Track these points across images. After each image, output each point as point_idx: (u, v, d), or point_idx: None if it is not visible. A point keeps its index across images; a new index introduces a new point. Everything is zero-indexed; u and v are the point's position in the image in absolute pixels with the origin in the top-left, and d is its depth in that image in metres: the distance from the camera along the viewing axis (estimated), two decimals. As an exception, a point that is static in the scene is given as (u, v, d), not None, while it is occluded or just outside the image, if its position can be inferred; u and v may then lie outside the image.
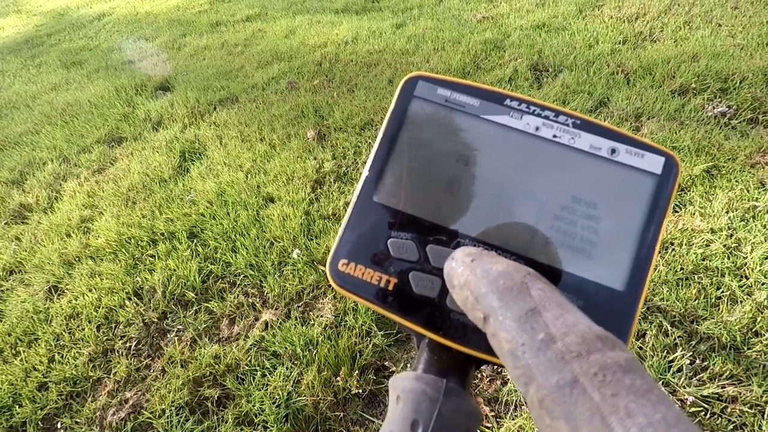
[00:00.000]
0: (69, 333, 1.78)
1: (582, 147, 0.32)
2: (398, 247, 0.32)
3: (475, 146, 0.33)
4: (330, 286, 1.69)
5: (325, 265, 0.34)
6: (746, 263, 1.55)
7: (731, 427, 1.20)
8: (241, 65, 3.70)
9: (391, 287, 0.31)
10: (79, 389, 1.60)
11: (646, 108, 2.28)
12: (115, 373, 1.62)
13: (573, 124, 0.33)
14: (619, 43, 2.91)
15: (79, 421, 1.51)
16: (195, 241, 2.06)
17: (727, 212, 1.71)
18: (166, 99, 3.37)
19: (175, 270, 1.92)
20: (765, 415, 1.21)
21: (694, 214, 1.74)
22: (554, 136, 0.33)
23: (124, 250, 2.07)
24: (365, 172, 0.34)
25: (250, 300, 1.75)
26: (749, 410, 1.23)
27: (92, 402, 1.55)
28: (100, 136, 3.10)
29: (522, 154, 0.33)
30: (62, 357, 1.70)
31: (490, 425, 1.30)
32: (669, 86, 2.40)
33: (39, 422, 1.52)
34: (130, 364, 1.64)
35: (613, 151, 0.32)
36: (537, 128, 0.33)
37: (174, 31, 4.75)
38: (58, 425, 1.51)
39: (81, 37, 5.32)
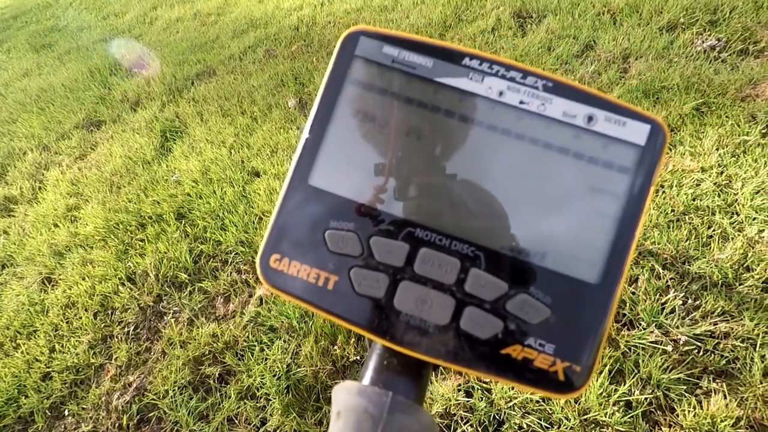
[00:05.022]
0: (67, 322, 1.78)
1: (554, 115, 0.28)
2: (337, 239, 0.28)
3: (428, 117, 0.29)
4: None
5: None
6: (737, 199, 1.54)
7: (724, 361, 1.22)
8: (216, 35, 3.57)
9: (330, 286, 0.28)
10: (83, 376, 1.62)
11: (633, 48, 2.21)
12: (116, 358, 1.63)
13: (543, 87, 0.28)
14: (604, -20, 2.79)
15: (85, 407, 1.53)
16: (183, 221, 2.04)
17: (717, 149, 1.68)
18: (142, 77, 3.27)
19: (165, 252, 1.91)
20: (757, 348, 1.23)
21: (684, 154, 1.71)
22: (521, 102, 0.28)
23: (113, 236, 2.05)
24: (297, 150, 0.30)
25: (243, 277, 1.75)
26: (741, 344, 1.24)
27: (96, 388, 1.57)
28: (78, 120, 3.03)
29: (483, 126, 0.28)
30: (62, 347, 1.71)
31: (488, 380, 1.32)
32: (657, 23, 2.32)
33: (46, 411, 1.55)
34: (130, 348, 1.65)
35: (590, 118, 0.28)
36: (501, 93, 0.29)
37: (144, 4, 4.56)
38: (66, 412, 1.53)
39: (48, 18, 5.12)
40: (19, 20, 5.35)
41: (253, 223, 1.92)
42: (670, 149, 1.74)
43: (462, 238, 0.28)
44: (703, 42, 2.14)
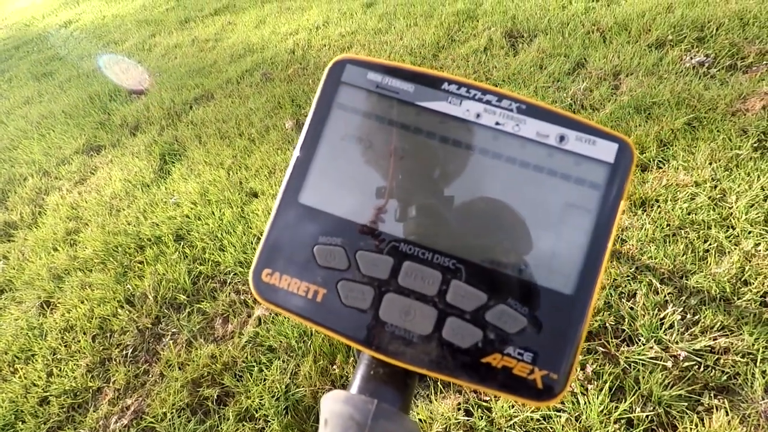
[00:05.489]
0: (65, 346, 1.77)
1: (528, 135, 0.30)
2: (325, 254, 0.30)
3: (410, 138, 0.31)
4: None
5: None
6: (732, 213, 1.55)
7: (724, 377, 1.21)
8: (213, 60, 3.63)
9: (319, 299, 0.29)
10: (80, 400, 1.60)
11: (623, 65, 2.25)
12: (114, 381, 1.62)
13: (517, 109, 0.30)
14: (593, 0, 2.85)
15: (83, 431, 1.52)
16: (182, 243, 2.04)
17: (710, 163, 1.70)
18: (141, 102, 3.31)
19: (164, 274, 1.91)
20: (757, 363, 1.22)
21: (677, 168, 1.72)
22: (497, 123, 0.30)
23: (112, 259, 2.06)
24: (288, 171, 0.32)
25: (242, 297, 1.75)
26: (741, 359, 1.23)
27: (94, 412, 1.55)
28: (78, 146, 3.05)
29: (462, 146, 0.30)
30: (60, 370, 1.70)
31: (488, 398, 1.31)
32: (645, 40, 2.36)
33: (43, 438, 1.53)
34: (128, 371, 1.64)
35: (562, 138, 0.29)
36: (478, 115, 0.30)
37: (143, 32, 4.64)
38: (62, 439, 1.52)
39: (49, 47, 5.20)
40: (21, 50, 5.43)
41: (252, 243, 1.92)
42: (664, 164, 1.76)
43: (443, 251, 0.29)
44: (691, 58, 2.18)
